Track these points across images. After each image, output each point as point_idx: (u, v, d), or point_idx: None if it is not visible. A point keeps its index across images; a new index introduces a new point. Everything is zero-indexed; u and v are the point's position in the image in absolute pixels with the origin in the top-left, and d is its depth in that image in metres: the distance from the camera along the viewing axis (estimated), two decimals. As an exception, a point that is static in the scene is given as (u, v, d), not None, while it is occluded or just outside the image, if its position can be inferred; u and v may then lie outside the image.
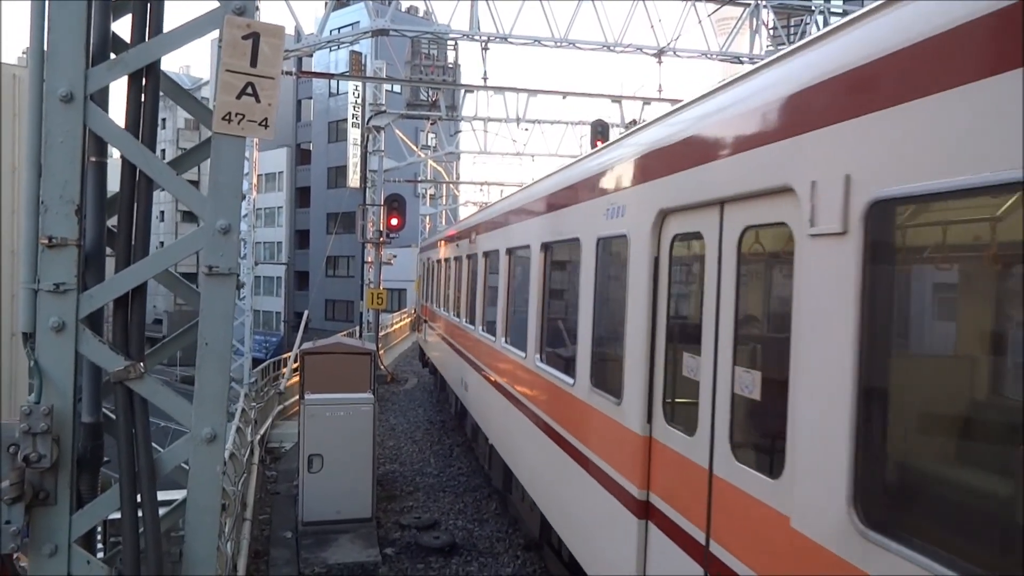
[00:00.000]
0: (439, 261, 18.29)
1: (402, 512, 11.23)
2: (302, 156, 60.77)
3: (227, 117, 3.08)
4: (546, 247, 7.02)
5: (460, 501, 11.81)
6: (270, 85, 3.15)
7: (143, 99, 3.18)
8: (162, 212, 63.02)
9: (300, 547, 9.67)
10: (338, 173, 52.37)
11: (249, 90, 3.10)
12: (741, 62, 18.66)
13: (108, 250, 3.25)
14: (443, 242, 17.46)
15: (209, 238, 2.98)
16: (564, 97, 21.04)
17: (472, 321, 11.80)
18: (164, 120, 64.75)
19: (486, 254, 10.70)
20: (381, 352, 25.08)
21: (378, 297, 23.20)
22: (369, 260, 25.17)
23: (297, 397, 13.07)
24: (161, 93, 3.26)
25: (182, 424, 3.00)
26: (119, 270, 2.98)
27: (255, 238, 20.86)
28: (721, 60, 18.36)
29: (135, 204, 3.13)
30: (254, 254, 20.56)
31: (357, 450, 10.28)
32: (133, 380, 2.87)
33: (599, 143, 21.41)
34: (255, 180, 20.26)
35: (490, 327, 10.06)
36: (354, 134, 42.60)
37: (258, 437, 13.56)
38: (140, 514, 2.92)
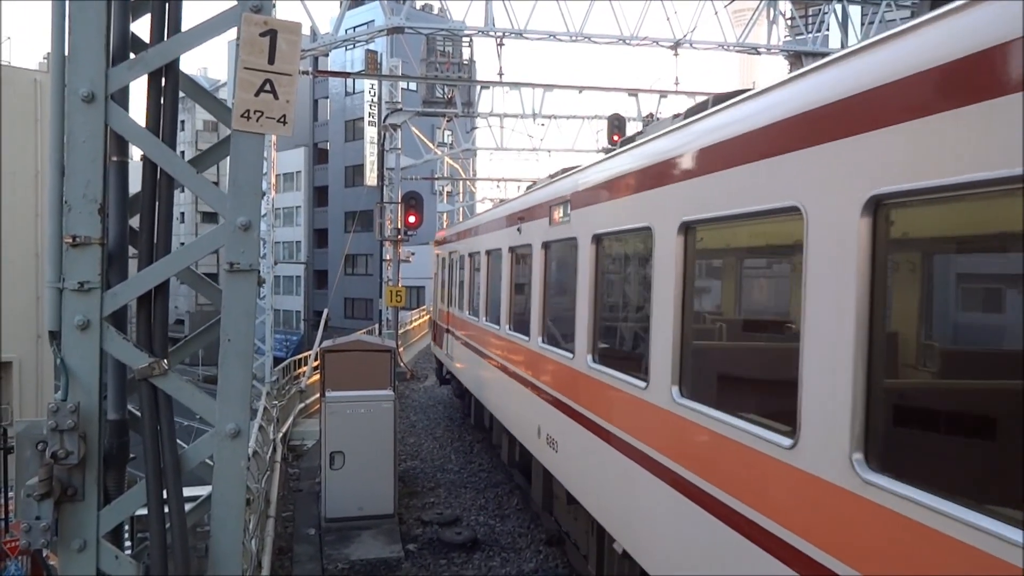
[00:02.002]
0: (472, 255, 13.43)
1: (424, 508, 11.28)
2: (319, 155, 61.13)
3: (246, 114, 3.09)
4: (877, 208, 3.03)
5: (482, 497, 11.83)
6: (288, 82, 3.16)
7: (163, 98, 3.21)
8: (182, 213, 63.65)
9: (323, 543, 9.74)
10: (355, 172, 52.61)
11: (267, 87, 3.11)
12: (759, 53, 18.50)
13: (131, 249, 3.28)
14: (486, 227, 12.30)
15: (229, 235, 2.99)
16: (580, 92, 20.99)
17: (558, 343, 7.59)
18: (183, 122, 65.36)
19: (599, 239, 6.41)
20: (401, 349, 25.19)
21: (397, 295, 23.29)
22: (387, 258, 25.27)
23: (318, 395, 13.16)
24: (181, 94, 3.28)
25: (206, 420, 3.02)
26: (142, 268, 3.01)
27: (274, 237, 21.04)
28: (738, 51, 18.22)
29: (156, 203, 3.16)
30: (273, 253, 20.74)
31: (378, 447, 10.33)
32: (157, 377, 2.89)
33: (617, 138, 21.32)
34: (273, 180, 20.43)
35: (628, 363, 5.79)
36: (371, 133, 42.72)
37: (280, 435, 13.67)
38: (166, 510, 2.95)
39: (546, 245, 8.18)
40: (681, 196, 4.76)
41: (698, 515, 4.32)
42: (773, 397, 3.89)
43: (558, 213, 7.65)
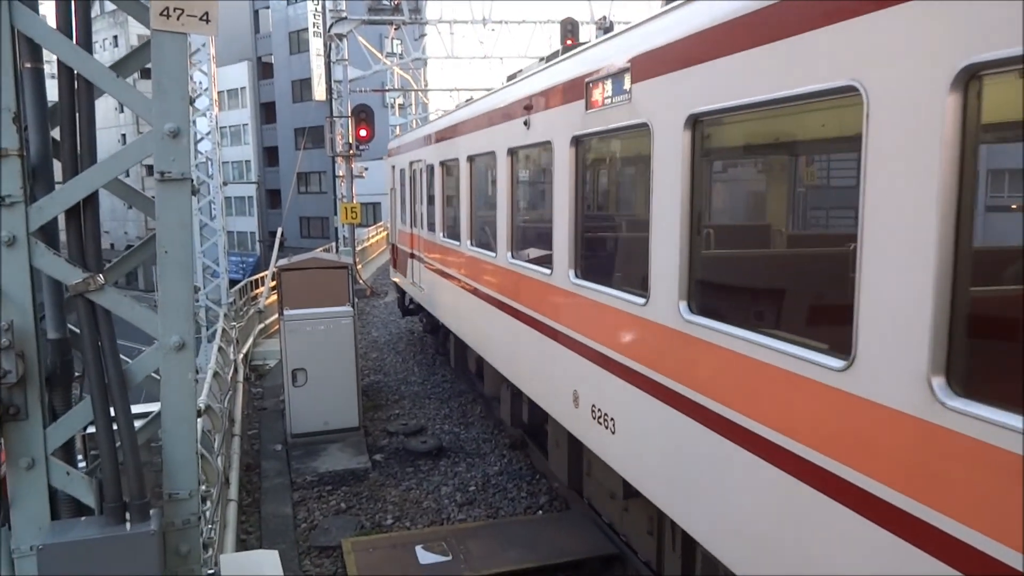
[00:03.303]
0: (447, 164, 10.79)
1: (389, 420, 11.47)
2: (264, 70, 58.68)
3: (165, 12, 2.90)
4: None
5: (445, 407, 12.06)
6: (208, -24, 2.96)
7: (74, -3, 2.99)
8: (124, 135, 61.14)
9: (290, 458, 9.89)
10: (303, 86, 50.75)
11: (186, -19, 2.91)
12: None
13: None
14: (468, 126, 9.65)
15: (158, 143, 2.86)
16: (531, -7, 20.28)
17: (609, 281, 5.60)
18: (116, 37, 62.02)
19: (700, 122, 4.28)
20: (359, 267, 25.02)
21: (352, 211, 22.94)
22: (340, 174, 24.74)
23: (277, 315, 13.08)
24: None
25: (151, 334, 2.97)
26: (66, 180, 2.88)
27: (221, 157, 20.38)
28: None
29: (77, 112, 2.99)
30: (222, 173, 20.14)
31: (340, 362, 10.39)
32: (93, 292, 2.81)
33: (570, 41, 20.77)
34: (215, 96, 19.62)
35: (789, 322, 3.93)
36: (316, 44, 40.97)
37: (241, 356, 13.64)
38: (116, 427, 2.93)
39: (579, 141, 5.96)
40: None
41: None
42: None
43: (601, 91, 5.40)
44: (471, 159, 9.43)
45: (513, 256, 7.74)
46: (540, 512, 8.24)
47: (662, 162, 4.52)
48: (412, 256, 14.21)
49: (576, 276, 6.03)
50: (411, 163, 14.02)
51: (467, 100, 11.70)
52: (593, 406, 5.75)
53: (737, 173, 4.72)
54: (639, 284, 4.95)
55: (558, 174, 6.29)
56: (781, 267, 4.32)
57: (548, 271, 6.59)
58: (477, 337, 9.91)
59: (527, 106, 7.12)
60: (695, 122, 4.23)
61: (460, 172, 9.85)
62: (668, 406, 4.53)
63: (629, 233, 5.46)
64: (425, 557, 7.01)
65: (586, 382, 5.90)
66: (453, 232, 10.54)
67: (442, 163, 11.12)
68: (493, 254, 8.37)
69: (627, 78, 5.01)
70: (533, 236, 7.56)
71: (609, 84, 5.33)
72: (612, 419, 5.40)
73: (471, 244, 9.51)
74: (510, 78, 9.29)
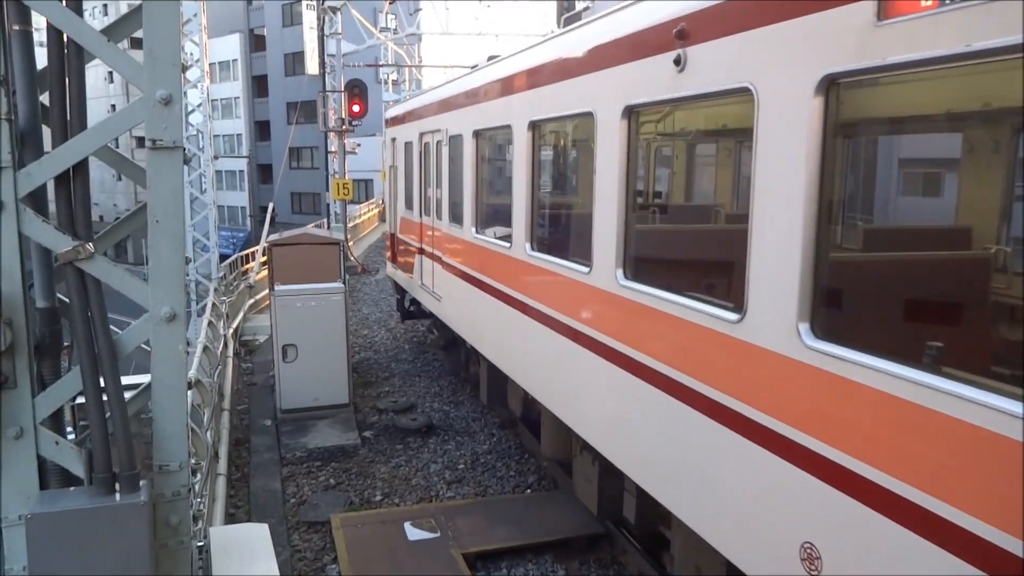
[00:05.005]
0: (482, 136, 8.46)
1: (379, 397, 11.48)
2: (256, 42, 57.97)
3: (157, -25, 2.83)
4: None
5: (436, 385, 12.07)
6: (202, -61, 2.89)
7: (63, -42, 2.91)
8: (113, 105, 60.41)
9: (280, 434, 9.88)
10: (295, 59, 50.30)
11: (179, -56, 2.84)
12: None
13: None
14: (528, 79, 6.92)
15: (149, 110, 2.80)
16: (528, -31, 20.08)
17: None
18: (105, 6, 61.04)
19: None
20: (351, 243, 24.92)
21: (344, 187, 22.81)
22: (333, 150, 24.56)
23: (268, 290, 13.01)
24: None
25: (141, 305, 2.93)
26: (56, 146, 2.82)
27: (212, 130, 20.18)
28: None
29: (67, 76, 2.93)
30: (212, 146, 19.96)
31: (330, 338, 10.37)
32: (83, 261, 2.77)
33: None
34: (207, 68, 19.40)
35: None
36: (309, 17, 40.54)
37: (231, 331, 13.59)
38: (105, 397, 2.90)
39: (836, 84, 3.24)
40: None
41: None
42: None
43: None
44: (535, 126, 6.75)
45: (627, 276, 5.14)
46: (528, 491, 8.28)
47: None
48: (422, 252, 11.52)
49: (816, 336, 3.36)
50: (422, 134, 11.38)
51: (490, 58, 9.00)
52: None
53: None
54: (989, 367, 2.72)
55: (770, 146, 3.60)
56: None
57: (735, 317, 3.90)
58: (545, 385, 6.91)
59: (680, 33, 4.34)
60: None
61: (515, 146, 7.15)
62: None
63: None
64: (414, 533, 7.04)
65: (853, 542, 3.15)
66: (498, 231, 8.03)
67: (477, 133, 8.53)
68: (585, 269, 5.71)
69: None
70: (683, 249, 5.24)
71: None
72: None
73: (532, 249, 6.85)
74: (568, 21, 6.99)
